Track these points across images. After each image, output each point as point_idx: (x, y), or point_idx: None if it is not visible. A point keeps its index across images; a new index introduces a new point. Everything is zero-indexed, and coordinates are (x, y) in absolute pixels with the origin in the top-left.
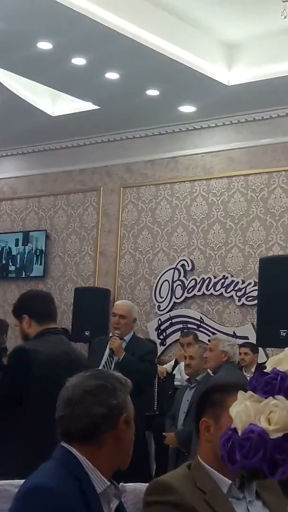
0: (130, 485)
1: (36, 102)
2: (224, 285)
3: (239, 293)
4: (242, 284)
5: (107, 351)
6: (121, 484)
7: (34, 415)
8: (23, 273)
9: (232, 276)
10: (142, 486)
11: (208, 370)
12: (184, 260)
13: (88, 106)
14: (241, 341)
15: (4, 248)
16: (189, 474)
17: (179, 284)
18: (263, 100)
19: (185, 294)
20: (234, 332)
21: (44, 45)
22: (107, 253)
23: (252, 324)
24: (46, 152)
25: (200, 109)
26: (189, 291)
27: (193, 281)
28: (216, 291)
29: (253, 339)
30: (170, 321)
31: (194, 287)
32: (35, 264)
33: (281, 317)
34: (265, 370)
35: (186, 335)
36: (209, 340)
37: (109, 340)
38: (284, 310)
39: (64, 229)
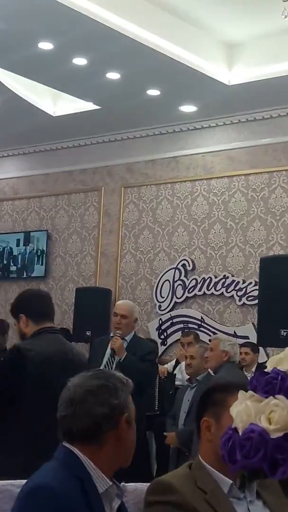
0: (131, 485)
1: (37, 102)
2: (225, 285)
3: (239, 293)
4: (242, 283)
5: (108, 351)
6: (122, 484)
7: (29, 415)
8: (25, 273)
9: (232, 276)
10: (143, 486)
11: (209, 370)
12: (185, 260)
13: (89, 106)
14: (241, 341)
15: (6, 248)
16: (190, 474)
17: (180, 284)
18: (263, 99)
19: (186, 294)
20: (234, 332)
21: (45, 45)
22: (108, 253)
23: (253, 323)
24: (47, 152)
25: (201, 109)
26: (190, 291)
27: (194, 281)
28: (217, 290)
29: (253, 339)
30: (171, 321)
31: (195, 287)
32: (36, 264)
33: (282, 317)
34: (266, 370)
35: (187, 334)
36: (210, 340)
37: (111, 340)
38: (285, 310)
39: (65, 229)
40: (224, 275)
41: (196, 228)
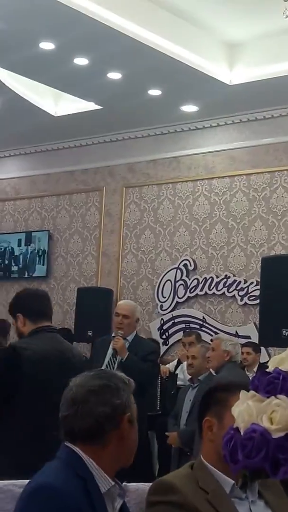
0: (133, 485)
1: (39, 102)
2: (226, 285)
3: (241, 293)
4: (244, 283)
5: (110, 351)
6: (124, 483)
7: (25, 414)
8: (26, 273)
9: (234, 275)
10: (145, 486)
11: (211, 369)
12: (186, 259)
13: (90, 106)
14: (243, 341)
15: (7, 248)
16: (191, 474)
17: (182, 284)
18: (265, 99)
19: (188, 294)
20: (236, 332)
21: (46, 45)
22: (110, 253)
23: (255, 323)
24: (48, 152)
25: (202, 109)
26: (192, 290)
27: (196, 281)
28: (218, 290)
29: (255, 339)
30: (173, 321)
31: (196, 286)
32: (38, 264)
33: (283, 317)
34: (267, 370)
35: (189, 334)
36: (211, 340)
37: (112, 340)
38: (286, 310)
39: (66, 229)
40: (226, 275)
41: (198, 228)
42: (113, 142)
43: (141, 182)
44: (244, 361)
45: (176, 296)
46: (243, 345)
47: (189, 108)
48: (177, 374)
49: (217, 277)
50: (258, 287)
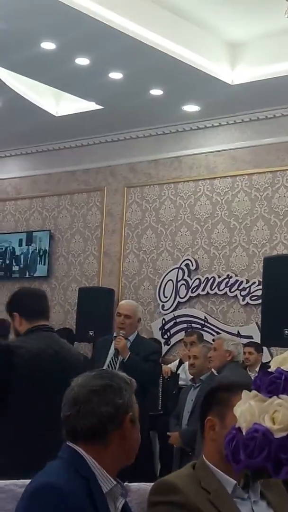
0: (134, 485)
1: (40, 102)
2: (228, 285)
3: (243, 293)
4: (246, 283)
5: (111, 351)
6: (125, 483)
7: (20, 413)
8: (27, 273)
9: (236, 275)
10: (147, 485)
11: (212, 369)
12: (188, 259)
13: (91, 106)
14: (245, 341)
15: (8, 248)
16: (193, 474)
17: (183, 284)
18: (266, 99)
19: (189, 294)
20: (238, 332)
21: (47, 45)
22: (111, 253)
23: (257, 323)
24: (49, 152)
25: (204, 109)
26: (193, 290)
27: (197, 281)
28: (220, 290)
29: (257, 339)
30: (174, 321)
31: (198, 286)
32: (39, 264)
33: (286, 316)
34: (269, 370)
35: (190, 334)
36: (213, 340)
37: (114, 340)
38: None
39: (68, 229)
40: (228, 275)
41: (199, 228)
42: (115, 142)
43: (142, 182)
44: (246, 361)
45: (177, 296)
46: (245, 345)
47: (191, 108)
48: (178, 374)
49: (219, 277)
50: (260, 287)
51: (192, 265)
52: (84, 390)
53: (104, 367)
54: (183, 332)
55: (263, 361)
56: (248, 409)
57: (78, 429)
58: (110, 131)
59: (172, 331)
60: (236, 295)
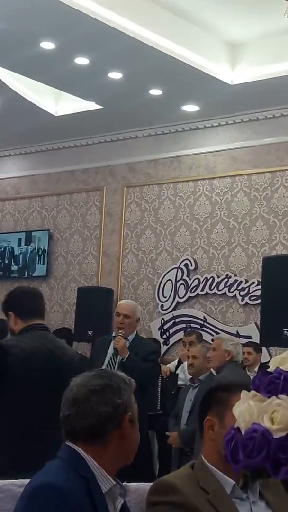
0: (133, 485)
1: (39, 101)
2: (228, 285)
3: (242, 293)
4: (245, 283)
5: (110, 351)
6: (124, 483)
7: (14, 412)
8: (26, 273)
9: (235, 275)
10: (146, 485)
11: (211, 369)
12: (187, 259)
13: (91, 105)
14: (244, 341)
15: (7, 248)
16: (192, 474)
17: (182, 284)
18: (266, 99)
19: (188, 294)
20: (237, 332)
21: (47, 45)
22: (110, 252)
23: (256, 323)
24: (49, 151)
25: (203, 109)
26: (192, 290)
27: (196, 281)
28: (219, 290)
29: (256, 339)
30: (173, 321)
31: (197, 286)
32: (38, 264)
33: (285, 317)
34: (268, 370)
35: (189, 334)
36: (212, 340)
37: (113, 340)
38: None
39: (67, 228)
40: (227, 275)
41: (199, 228)
42: (114, 142)
43: (142, 181)
44: (245, 361)
45: (176, 296)
46: (244, 345)
47: (190, 107)
48: (177, 374)
49: (218, 277)
50: (259, 287)
51: (191, 265)
52: (84, 390)
53: (103, 367)
54: (182, 332)
55: (262, 361)
56: (247, 409)
57: (77, 429)
58: (110, 131)
59: (171, 331)
60: (235, 295)
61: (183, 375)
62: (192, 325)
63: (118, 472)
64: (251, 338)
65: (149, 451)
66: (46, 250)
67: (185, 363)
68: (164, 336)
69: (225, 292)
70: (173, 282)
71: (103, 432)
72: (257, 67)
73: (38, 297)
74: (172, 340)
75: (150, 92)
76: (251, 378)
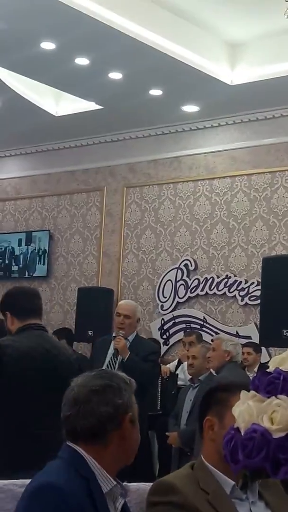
0: (133, 485)
1: (39, 102)
2: (227, 285)
3: (242, 293)
4: (245, 283)
5: (110, 351)
6: (124, 483)
7: (10, 412)
8: (26, 273)
9: (235, 275)
10: (146, 485)
11: (211, 369)
12: (187, 260)
13: (91, 106)
14: (244, 341)
15: (7, 248)
16: (192, 474)
17: (182, 284)
18: (266, 99)
19: (188, 294)
20: (237, 332)
21: (47, 45)
22: (110, 253)
23: (255, 323)
24: (49, 152)
25: (203, 109)
26: (192, 290)
27: (196, 281)
28: (219, 290)
29: (256, 339)
30: (173, 321)
31: (197, 286)
32: (38, 264)
33: (284, 317)
34: (268, 370)
35: (189, 334)
36: (212, 340)
37: (113, 340)
38: (287, 310)
39: (67, 229)
40: (227, 275)
41: (199, 228)
42: (114, 142)
43: (142, 182)
44: (244, 361)
45: (176, 296)
46: (243, 345)
47: (190, 108)
48: (177, 374)
49: (218, 277)
50: (259, 287)
51: (191, 265)
52: (84, 390)
53: (103, 367)
54: (182, 332)
55: (262, 361)
56: (247, 409)
57: (78, 429)
58: (110, 131)
59: (171, 331)
60: (235, 295)
61: (183, 375)
62: (192, 325)
63: (118, 472)
64: (251, 339)
65: (149, 451)
66: (47, 251)
67: (185, 363)
68: (164, 337)
69: (225, 292)
70: (173, 283)
71: (103, 433)
72: (257, 67)
73: (35, 296)
74: (172, 341)
75: (150, 92)
76: (251, 378)
